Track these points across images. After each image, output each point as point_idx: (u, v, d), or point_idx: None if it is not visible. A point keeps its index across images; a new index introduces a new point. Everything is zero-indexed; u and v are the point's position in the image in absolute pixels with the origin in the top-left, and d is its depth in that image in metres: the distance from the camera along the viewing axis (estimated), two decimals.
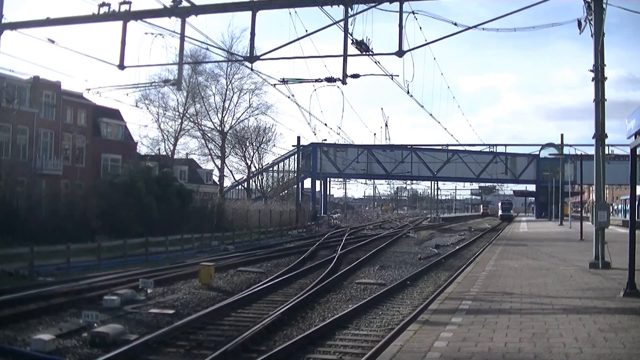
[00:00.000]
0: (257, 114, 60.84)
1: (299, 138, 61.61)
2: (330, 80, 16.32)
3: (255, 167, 67.06)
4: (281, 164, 77.34)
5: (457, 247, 33.65)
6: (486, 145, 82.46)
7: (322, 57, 16.89)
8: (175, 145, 56.63)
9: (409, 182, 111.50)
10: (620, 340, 8.07)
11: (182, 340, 11.21)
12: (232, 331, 11.99)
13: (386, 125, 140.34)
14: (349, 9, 15.03)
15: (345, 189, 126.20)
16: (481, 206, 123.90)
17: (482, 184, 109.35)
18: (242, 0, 16.32)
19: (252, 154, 65.17)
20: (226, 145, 59.79)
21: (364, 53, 15.41)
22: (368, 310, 14.18)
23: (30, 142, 39.84)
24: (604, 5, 16.65)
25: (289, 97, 20.62)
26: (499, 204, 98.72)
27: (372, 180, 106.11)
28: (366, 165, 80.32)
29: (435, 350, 7.79)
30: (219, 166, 61.29)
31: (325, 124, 62.82)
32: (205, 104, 57.69)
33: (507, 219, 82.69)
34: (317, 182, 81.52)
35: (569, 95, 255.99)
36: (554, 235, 37.05)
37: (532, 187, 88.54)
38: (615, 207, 66.47)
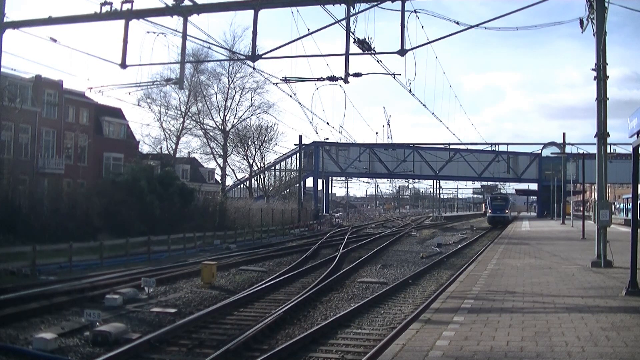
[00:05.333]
0: (259, 113, 60.93)
1: (300, 137, 61.77)
2: (332, 79, 16.34)
3: (257, 166, 67.07)
4: (283, 163, 77.35)
5: (459, 246, 33.64)
6: (488, 144, 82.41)
7: (324, 56, 16.95)
8: (177, 144, 56.68)
9: (411, 180, 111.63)
10: (622, 339, 8.06)
11: (184, 339, 11.23)
12: (234, 330, 12.02)
13: (388, 124, 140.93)
14: (351, 8, 15.05)
15: (347, 187, 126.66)
16: (483, 205, 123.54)
17: (484, 183, 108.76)
18: None
19: (254, 152, 65.20)
20: (228, 144, 59.79)
21: (366, 52, 15.42)
22: (370, 309, 14.21)
23: (33, 140, 39.92)
24: (606, 4, 16.60)
25: (291, 96, 20.68)
26: (488, 199, 68.29)
27: (374, 179, 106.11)
28: (368, 164, 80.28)
29: (438, 349, 7.79)
30: (221, 165, 61.34)
31: (327, 123, 62.71)
32: (207, 103, 57.75)
33: (500, 222, 57.17)
34: (319, 181, 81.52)
35: (571, 94, 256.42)
36: (556, 234, 36.98)
37: (534, 186, 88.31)
38: (617, 206, 66.35)
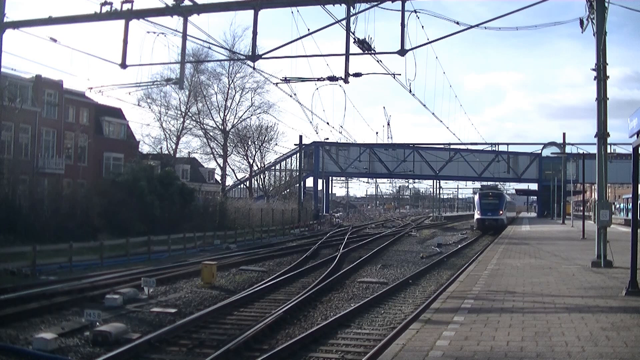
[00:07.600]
0: (259, 113, 61.04)
1: (301, 137, 61.76)
2: (332, 79, 16.33)
3: (257, 165, 67.13)
4: (283, 163, 77.38)
5: (459, 246, 33.64)
6: (488, 144, 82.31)
7: (324, 56, 16.94)
8: (177, 144, 56.75)
9: (411, 180, 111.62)
10: (622, 339, 8.06)
11: (185, 339, 11.23)
12: (234, 330, 12.02)
13: (388, 124, 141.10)
14: (351, 8, 15.03)
15: (347, 187, 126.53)
16: None
17: (485, 183, 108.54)
18: None
19: (254, 152, 65.27)
20: (228, 144, 59.85)
21: (366, 52, 15.41)
22: (370, 309, 14.22)
23: (33, 140, 39.92)
24: (606, 4, 16.59)
25: (291, 96, 20.70)
26: (476, 199, 50.72)
27: (374, 179, 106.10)
28: (368, 164, 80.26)
29: (438, 349, 7.78)
30: (221, 165, 61.44)
31: (328, 123, 62.83)
32: (207, 103, 57.85)
33: (492, 228, 44.76)
34: (319, 181, 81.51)
35: (572, 94, 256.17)
36: (556, 234, 36.97)
37: (534, 186, 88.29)
38: (618, 206, 66.32)
